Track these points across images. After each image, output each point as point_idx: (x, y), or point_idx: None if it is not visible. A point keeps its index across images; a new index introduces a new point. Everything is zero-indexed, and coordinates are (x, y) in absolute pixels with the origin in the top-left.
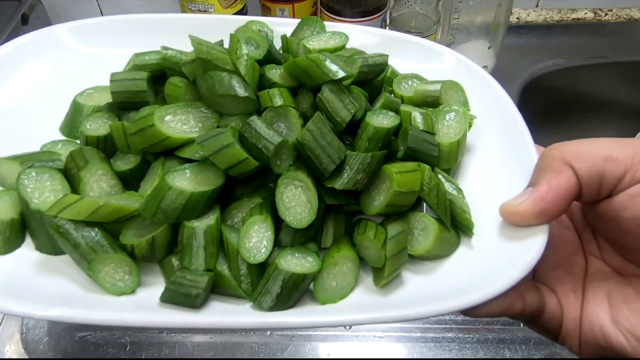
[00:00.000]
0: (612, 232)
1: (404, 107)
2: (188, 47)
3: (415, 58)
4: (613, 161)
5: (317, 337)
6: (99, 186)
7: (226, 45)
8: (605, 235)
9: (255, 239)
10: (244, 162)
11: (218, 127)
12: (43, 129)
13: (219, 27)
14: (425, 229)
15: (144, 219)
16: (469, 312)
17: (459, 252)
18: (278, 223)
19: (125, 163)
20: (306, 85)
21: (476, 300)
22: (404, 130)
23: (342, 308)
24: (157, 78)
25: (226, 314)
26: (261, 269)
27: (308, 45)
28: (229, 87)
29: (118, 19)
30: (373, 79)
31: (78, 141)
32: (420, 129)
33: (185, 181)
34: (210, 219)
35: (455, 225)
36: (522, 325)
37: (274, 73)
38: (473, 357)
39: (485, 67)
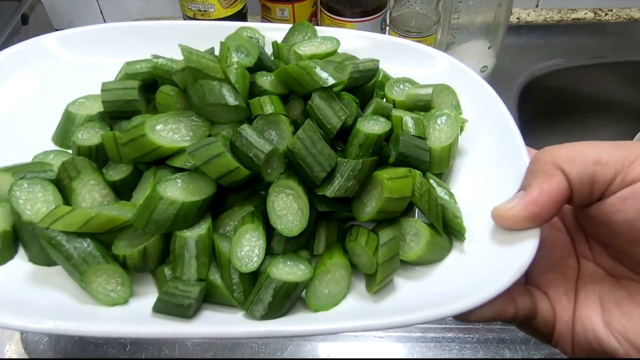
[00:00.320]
0: (603, 234)
1: (395, 112)
2: (180, 55)
3: (408, 62)
4: (603, 164)
5: (317, 337)
6: (91, 196)
7: (217, 52)
8: (597, 238)
9: (247, 248)
10: (235, 171)
11: (209, 135)
12: (35, 140)
13: (211, 34)
14: (417, 234)
15: (136, 229)
16: (461, 317)
17: (451, 256)
18: (270, 231)
19: (117, 173)
20: (297, 92)
21: (468, 306)
22: (395, 136)
23: (334, 316)
24: (149, 86)
25: (218, 323)
26: (253, 278)
27: (299, 51)
28: (219, 96)
29: (108, 27)
30: (364, 85)
31: (70, 151)
32: (412, 134)
33: (176, 191)
34: (202, 229)
35: (448, 230)
36: None
37: (265, 80)
38: (473, 357)
39: (485, 67)
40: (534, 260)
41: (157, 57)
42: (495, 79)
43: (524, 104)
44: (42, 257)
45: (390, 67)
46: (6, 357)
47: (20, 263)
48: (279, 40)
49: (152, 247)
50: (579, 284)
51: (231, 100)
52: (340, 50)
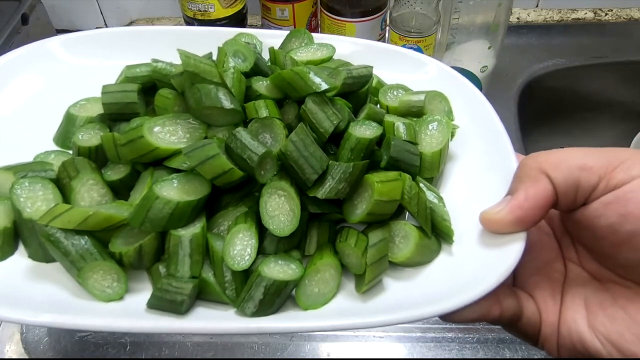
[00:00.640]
0: (588, 239)
1: (388, 118)
2: (179, 59)
3: (402, 68)
4: (588, 170)
5: (317, 337)
6: (90, 195)
7: (215, 57)
8: (582, 242)
9: (240, 247)
10: (229, 172)
11: (205, 137)
12: (37, 140)
13: (210, 39)
14: (406, 236)
15: (132, 227)
16: (447, 317)
17: (439, 258)
18: (263, 231)
19: (116, 173)
20: (291, 97)
21: (453, 306)
22: (387, 141)
23: (323, 314)
24: (148, 89)
25: (210, 319)
26: (245, 276)
27: (295, 57)
28: (216, 99)
29: (110, 32)
30: (357, 90)
31: (71, 151)
32: (403, 139)
33: (172, 191)
34: (196, 228)
35: (436, 232)
36: None
37: (261, 85)
38: (473, 357)
39: (485, 67)
40: (519, 263)
41: (156, 61)
42: (495, 79)
43: (524, 104)
44: (41, 254)
45: (385, 74)
46: (6, 357)
47: (20, 259)
48: (277, 46)
49: (147, 245)
50: (565, 287)
51: (227, 103)
52: (335, 57)
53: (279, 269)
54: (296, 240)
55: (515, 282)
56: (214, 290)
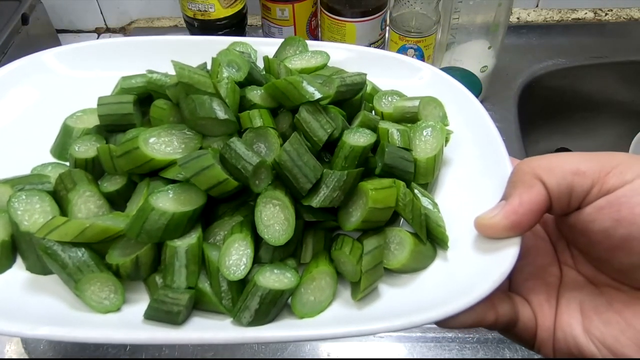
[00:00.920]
0: (582, 243)
1: (382, 124)
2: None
3: (396, 74)
4: (581, 175)
5: None
6: (87, 207)
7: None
8: (577, 246)
9: (235, 257)
10: (224, 182)
11: (201, 148)
12: (34, 152)
13: (205, 48)
14: (401, 243)
15: (129, 238)
16: (443, 323)
17: (435, 264)
18: (258, 240)
19: (112, 184)
20: (285, 106)
21: (449, 313)
22: (381, 147)
23: (319, 322)
24: (144, 100)
25: (206, 329)
26: (242, 286)
27: (290, 65)
28: (210, 110)
29: (104, 43)
30: (351, 98)
31: (67, 163)
32: (398, 145)
33: (168, 202)
34: (192, 238)
35: (431, 238)
36: None
37: (255, 94)
38: (473, 357)
39: (485, 67)
40: (514, 268)
41: (151, 72)
42: (495, 79)
43: (524, 104)
44: (39, 266)
45: (380, 80)
46: (6, 357)
47: (18, 272)
48: (272, 54)
49: (144, 256)
50: (560, 291)
51: (221, 114)
52: (330, 64)
53: (274, 278)
54: (292, 248)
55: (511, 286)
56: (211, 300)
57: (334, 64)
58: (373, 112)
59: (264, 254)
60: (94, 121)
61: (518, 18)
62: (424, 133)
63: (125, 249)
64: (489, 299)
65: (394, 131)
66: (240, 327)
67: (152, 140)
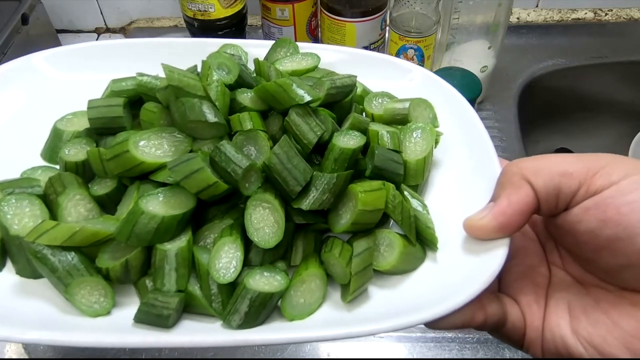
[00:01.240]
0: (570, 243)
1: (372, 126)
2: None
3: (386, 75)
4: (568, 176)
5: None
6: (77, 211)
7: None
8: (565, 247)
9: (225, 260)
10: (214, 185)
11: (191, 151)
12: (24, 155)
13: (195, 51)
14: (390, 245)
15: (119, 242)
16: (432, 324)
17: (424, 266)
18: (248, 243)
19: (102, 187)
20: (275, 108)
21: (438, 314)
22: (371, 150)
23: (309, 324)
24: (135, 103)
25: (197, 333)
26: (232, 288)
27: (280, 68)
28: (200, 113)
29: (94, 45)
30: (341, 100)
31: (57, 166)
32: (388, 147)
33: (157, 205)
34: (182, 241)
35: (421, 240)
36: None
37: (245, 97)
38: (473, 357)
39: (485, 67)
40: (503, 268)
41: (141, 74)
42: (495, 79)
43: (524, 104)
44: (29, 270)
45: (370, 81)
46: (6, 357)
47: (7, 275)
48: (263, 56)
49: (133, 260)
50: (549, 291)
51: (211, 117)
52: (321, 66)
53: (264, 281)
54: (282, 251)
55: (500, 286)
56: (201, 303)
57: (325, 66)
58: (364, 113)
59: (254, 256)
60: (84, 124)
61: (518, 18)
62: (414, 135)
63: (115, 253)
64: (478, 300)
65: (384, 133)
66: (230, 330)
67: (142, 143)
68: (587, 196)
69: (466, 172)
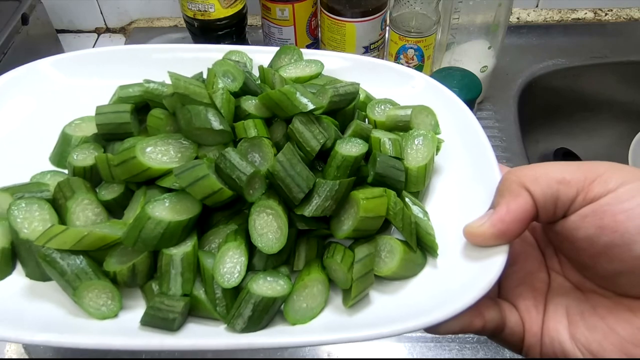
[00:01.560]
0: (568, 250)
1: (375, 133)
2: None
3: (389, 82)
4: (566, 184)
5: None
6: (85, 215)
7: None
8: (563, 253)
9: (229, 265)
10: (219, 192)
11: (196, 157)
12: (33, 160)
13: (202, 56)
14: (391, 251)
15: (126, 246)
16: (431, 330)
17: (424, 272)
18: (252, 249)
19: (110, 192)
20: (279, 116)
21: (437, 319)
22: (373, 157)
23: (311, 328)
24: (142, 109)
25: (201, 336)
26: (236, 293)
27: (284, 74)
28: (205, 120)
29: (101, 51)
30: (344, 107)
31: (66, 171)
32: (389, 154)
33: (164, 211)
34: (187, 246)
35: (421, 246)
36: None
37: (250, 104)
38: (473, 357)
39: (485, 67)
40: (502, 275)
41: (148, 81)
42: (495, 79)
43: (524, 104)
44: (38, 273)
45: (374, 88)
46: (6, 357)
47: (18, 278)
48: (267, 62)
49: (140, 264)
50: (548, 297)
51: (216, 124)
52: (325, 72)
53: (267, 286)
54: (285, 256)
55: (500, 292)
56: (205, 307)
57: (329, 73)
58: (366, 119)
59: (258, 261)
60: (91, 129)
61: (518, 18)
62: (416, 142)
63: (123, 257)
64: (477, 306)
65: (386, 140)
66: (234, 334)
67: (148, 149)
68: (584, 203)
69: (466, 179)
